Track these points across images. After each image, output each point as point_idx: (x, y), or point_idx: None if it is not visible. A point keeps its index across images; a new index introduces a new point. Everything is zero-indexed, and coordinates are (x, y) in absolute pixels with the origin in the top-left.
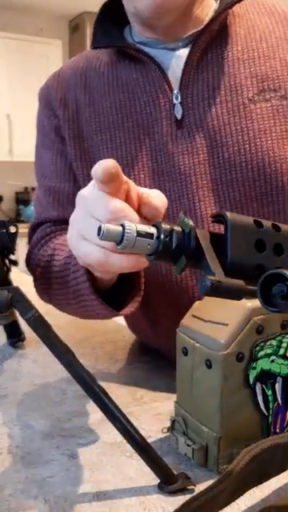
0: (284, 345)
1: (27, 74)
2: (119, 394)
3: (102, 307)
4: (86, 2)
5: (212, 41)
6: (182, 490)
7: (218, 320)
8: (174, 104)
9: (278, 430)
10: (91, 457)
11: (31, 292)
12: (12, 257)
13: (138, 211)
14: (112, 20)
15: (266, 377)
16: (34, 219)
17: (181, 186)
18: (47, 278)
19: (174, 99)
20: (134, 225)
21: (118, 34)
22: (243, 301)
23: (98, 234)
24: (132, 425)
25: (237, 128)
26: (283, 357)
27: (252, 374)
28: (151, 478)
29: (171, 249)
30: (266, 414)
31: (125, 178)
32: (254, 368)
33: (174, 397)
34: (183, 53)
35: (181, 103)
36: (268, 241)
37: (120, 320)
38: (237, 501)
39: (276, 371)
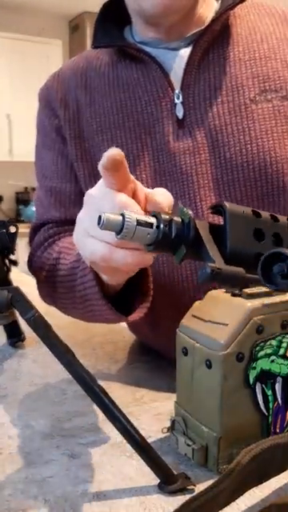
0: (284, 345)
1: (27, 73)
2: (119, 394)
3: (110, 312)
4: (86, 2)
5: (214, 41)
6: (182, 490)
7: (218, 320)
8: (176, 104)
9: (277, 430)
10: (91, 457)
11: (31, 292)
12: (12, 257)
13: (144, 211)
14: (112, 20)
15: (266, 377)
16: (35, 220)
17: (182, 186)
18: (52, 281)
19: (176, 99)
20: (134, 214)
21: (118, 34)
22: (243, 301)
23: (98, 224)
24: (132, 425)
25: (238, 128)
26: (283, 357)
27: (252, 374)
28: (151, 478)
29: (171, 238)
30: (266, 413)
31: (132, 177)
32: (254, 368)
33: (174, 397)
34: (184, 53)
35: (182, 103)
36: (267, 230)
37: None
38: (237, 501)
39: (276, 371)
